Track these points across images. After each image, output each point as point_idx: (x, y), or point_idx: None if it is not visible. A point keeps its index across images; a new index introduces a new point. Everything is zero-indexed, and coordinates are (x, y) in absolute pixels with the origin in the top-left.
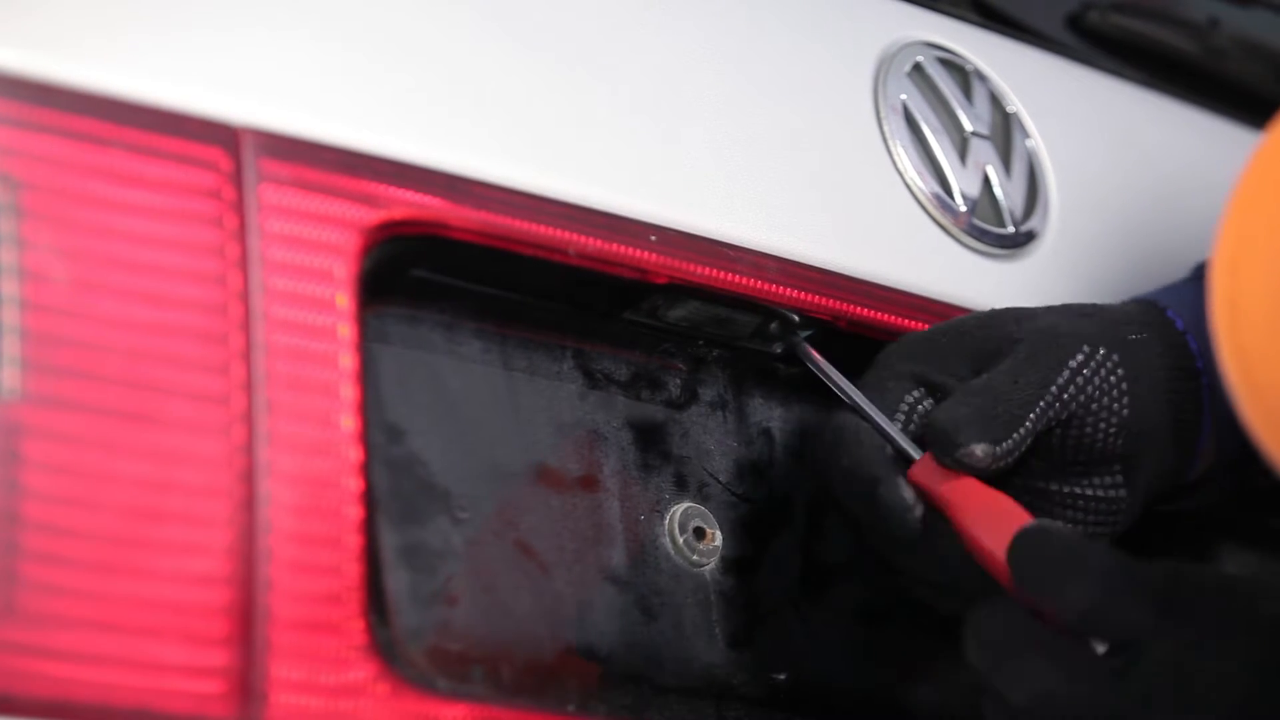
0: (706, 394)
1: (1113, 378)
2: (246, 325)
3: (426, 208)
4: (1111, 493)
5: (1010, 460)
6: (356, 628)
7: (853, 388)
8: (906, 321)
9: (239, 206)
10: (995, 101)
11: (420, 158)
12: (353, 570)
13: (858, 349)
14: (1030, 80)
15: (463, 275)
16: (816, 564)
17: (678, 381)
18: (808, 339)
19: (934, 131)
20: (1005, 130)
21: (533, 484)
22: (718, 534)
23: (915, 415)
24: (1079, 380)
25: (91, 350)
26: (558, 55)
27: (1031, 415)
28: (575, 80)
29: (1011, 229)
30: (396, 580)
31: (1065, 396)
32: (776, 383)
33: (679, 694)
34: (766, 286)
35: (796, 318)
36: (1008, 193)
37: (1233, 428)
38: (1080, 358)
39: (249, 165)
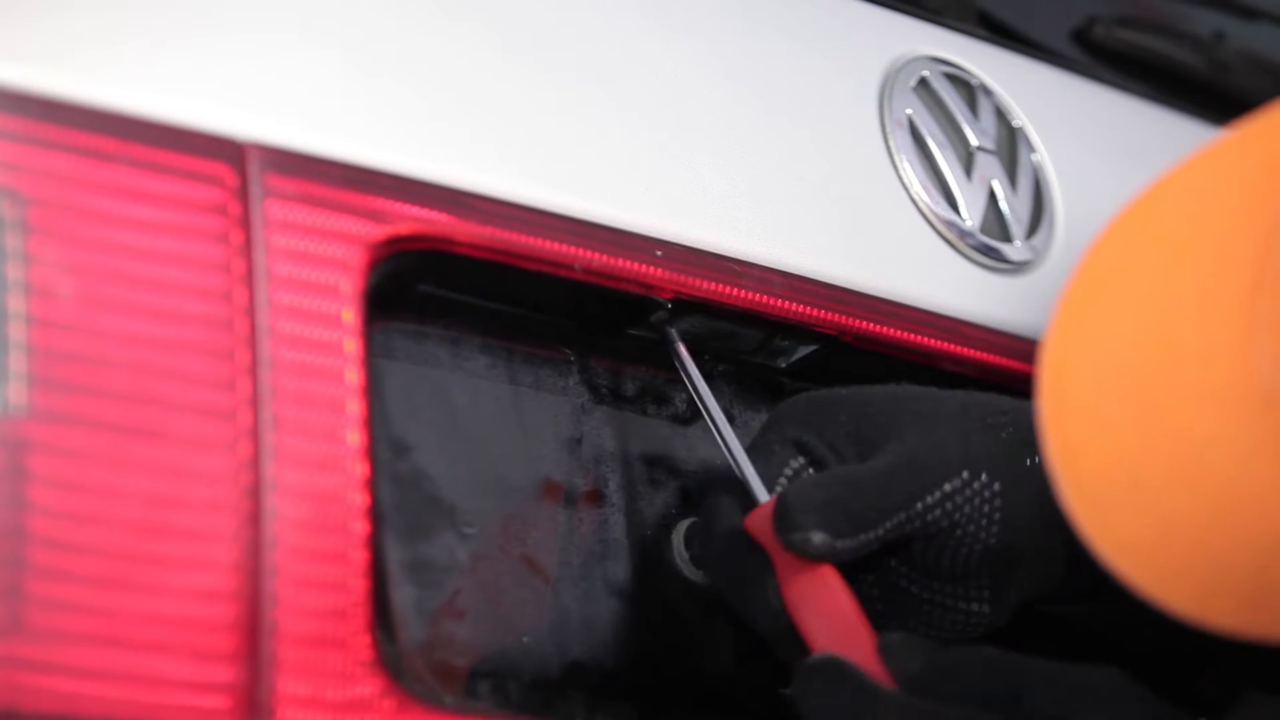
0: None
1: (986, 506)
2: (252, 340)
3: (432, 223)
4: (974, 606)
5: (847, 557)
6: (363, 643)
7: (720, 413)
8: (911, 336)
9: (245, 222)
10: (1001, 116)
11: (426, 173)
12: (359, 585)
13: (862, 364)
14: (1036, 95)
15: (468, 290)
16: None
17: (683, 396)
18: (681, 334)
19: (939, 146)
20: (1011, 145)
21: (538, 499)
22: None
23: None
24: (948, 505)
25: (97, 365)
26: (563, 71)
27: (887, 523)
28: (580, 95)
29: (1016, 243)
30: (403, 595)
31: (929, 517)
32: (782, 397)
33: (685, 709)
34: (772, 301)
35: (669, 305)
36: (1013, 207)
37: None
38: (957, 483)
39: (255, 180)
